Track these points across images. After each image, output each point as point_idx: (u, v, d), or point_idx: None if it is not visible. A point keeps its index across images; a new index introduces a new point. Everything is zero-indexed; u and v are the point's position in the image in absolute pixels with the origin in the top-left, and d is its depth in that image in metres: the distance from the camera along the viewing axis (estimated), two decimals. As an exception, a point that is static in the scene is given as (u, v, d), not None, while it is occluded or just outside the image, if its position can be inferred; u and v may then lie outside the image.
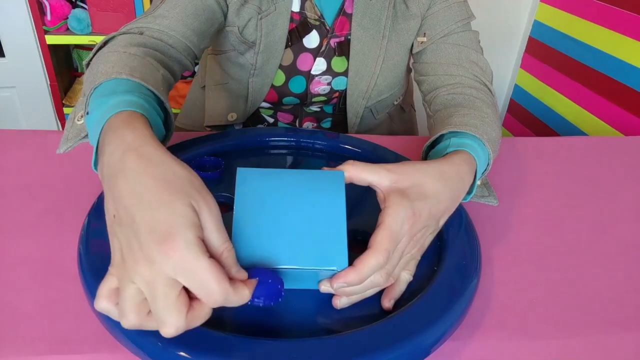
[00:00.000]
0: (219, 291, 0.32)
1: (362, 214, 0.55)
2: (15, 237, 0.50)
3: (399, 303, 0.44)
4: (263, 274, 0.37)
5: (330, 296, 0.43)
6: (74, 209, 0.53)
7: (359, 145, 0.66)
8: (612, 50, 1.47)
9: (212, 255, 0.34)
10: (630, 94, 1.42)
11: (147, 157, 0.36)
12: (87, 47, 1.83)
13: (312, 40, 0.78)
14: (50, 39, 1.61)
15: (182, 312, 0.32)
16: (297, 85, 0.81)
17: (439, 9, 0.75)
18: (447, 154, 0.51)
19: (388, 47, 0.78)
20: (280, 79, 0.80)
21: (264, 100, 0.84)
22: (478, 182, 0.55)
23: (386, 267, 0.41)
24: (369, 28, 0.76)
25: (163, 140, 0.51)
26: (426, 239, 0.46)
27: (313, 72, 0.80)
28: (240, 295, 0.34)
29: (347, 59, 0.79)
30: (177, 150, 0.60)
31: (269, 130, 0.68)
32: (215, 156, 0.61)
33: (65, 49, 1.83)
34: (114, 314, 0.34)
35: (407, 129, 1.00)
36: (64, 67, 1.82)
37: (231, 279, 0.34)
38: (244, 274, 0.36)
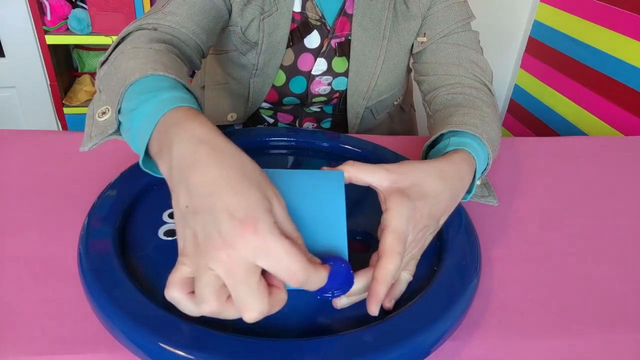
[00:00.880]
0: (301, 270, 0.33)
1: (362, 214, 0.55)
2: (15, 237, 0.50)
3: (399, 303, 0.43)
4: (334, 261, 0.38)
5: (330, 296, 0.43)
6: (74, 209, 0.53)
7: (359, 145, 0.66)
8: (612, 50, 1.47)
9: None
10: (630, 94, 1.41)
11: (221, 149, 0.37)
12: (87, 47, 1.83)
13: (312, 40, 0.78)
14: (50, 39, 1.61)
15: (265, 295, 0.32)
16: (297, 85, 0.81)
17: (439, 9, 0.75)
18: (446, 153, 0.51)
19: (388, 47, 0.78)
20: (280, 79, 0.80)
21: (265, 101, 0.84)
22: (478, 182, 0.55)
23: None
24: (369, 28, 0.76)
25: None
26: (426, 239, 0.46)
27: (314, 72, 0.80)
28: (321, 276, 0.35)
29: (348, 59, 0.79)
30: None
31: (269, 130, 0.68)
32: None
33: (65, 49, 1.83)
34: (183, 304, 0.34)
35: (407, 129, 1.00)
36: (64, 67, 1.82)
37: None
38: (317, 260, 0.37)
